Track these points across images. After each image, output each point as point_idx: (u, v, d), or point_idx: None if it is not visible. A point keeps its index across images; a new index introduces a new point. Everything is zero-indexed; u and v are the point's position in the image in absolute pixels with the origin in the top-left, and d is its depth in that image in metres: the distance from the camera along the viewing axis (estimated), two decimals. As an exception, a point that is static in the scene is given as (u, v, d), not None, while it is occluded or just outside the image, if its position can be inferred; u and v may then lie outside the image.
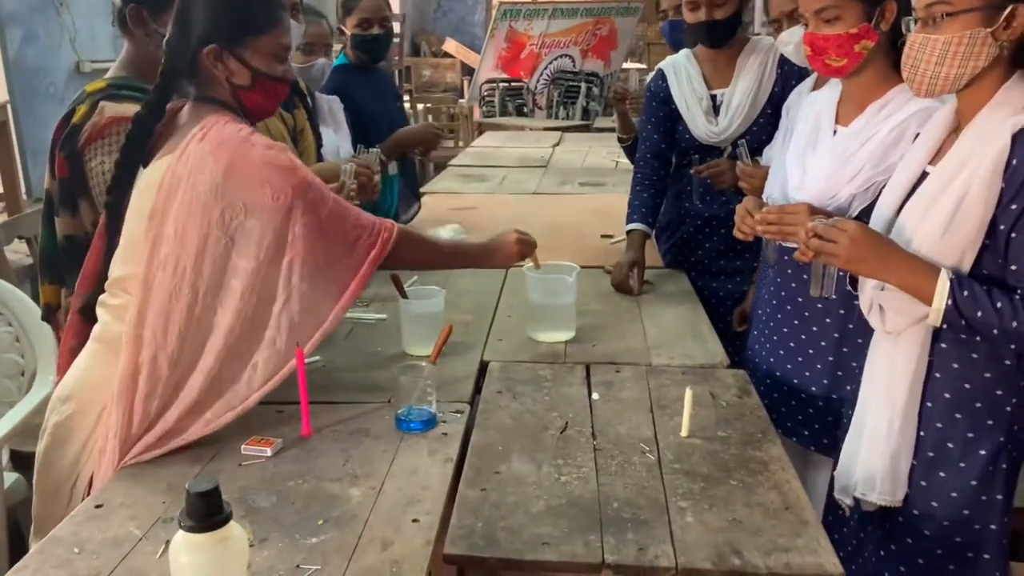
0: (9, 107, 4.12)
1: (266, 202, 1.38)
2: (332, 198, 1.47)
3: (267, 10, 1.46)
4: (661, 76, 2.37)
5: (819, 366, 1.72)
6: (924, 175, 1.38)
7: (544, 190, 3.52)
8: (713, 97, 2.28)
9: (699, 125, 2.29)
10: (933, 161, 1.38)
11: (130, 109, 1.54)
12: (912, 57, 1.35)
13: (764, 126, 2.22)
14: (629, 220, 2.35)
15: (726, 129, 2.26)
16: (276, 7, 1.47)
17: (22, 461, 2.03)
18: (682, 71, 2.33)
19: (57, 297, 1.72)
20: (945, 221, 1.30)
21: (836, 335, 1.69)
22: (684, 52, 2.35)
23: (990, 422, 1.36)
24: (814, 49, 1.59)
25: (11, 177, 4.12)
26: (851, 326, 1.66)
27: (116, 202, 1.48)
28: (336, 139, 2.54)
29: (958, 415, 1.37)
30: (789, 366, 1.77)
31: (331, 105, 2.59)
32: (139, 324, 1.38)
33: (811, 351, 1.73)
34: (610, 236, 2.72)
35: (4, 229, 2.66)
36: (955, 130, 1.38)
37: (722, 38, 2.22)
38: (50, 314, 1.76)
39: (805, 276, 1.69)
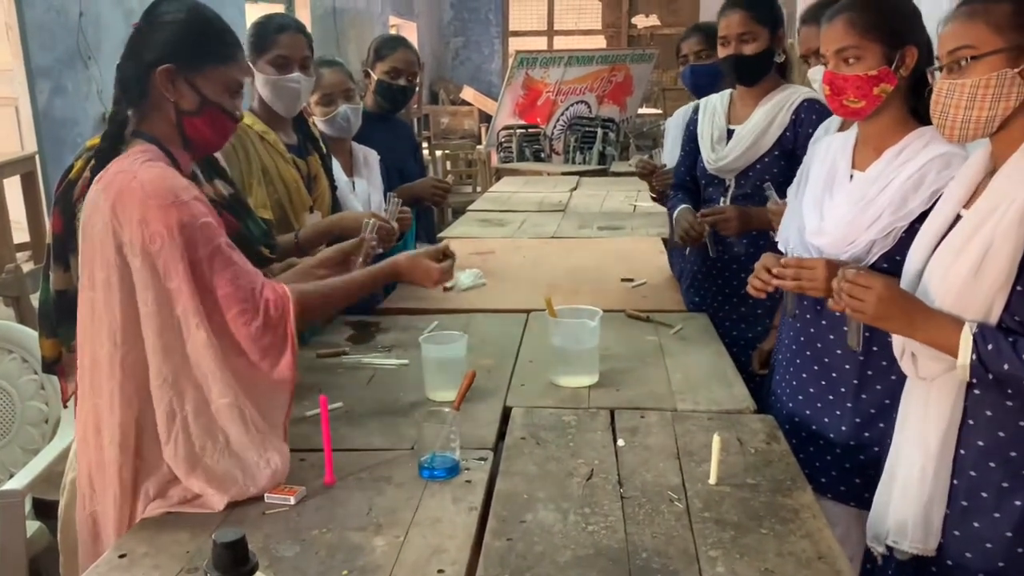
0: (37, 158, 4.22)
1: (144, 244, 1.32)
2: (221, 243, 1.38)
3: (227, 43, 1.47)
4: (695, 109, 2.51)
5: (838, 412, 1.69)
6: (958, 219, 1.37)
7: (563, 234, 3.53)
8: (731, 131, 2.33)
9: (707, 153, 2.37)
10: (967, 205, 1.38)
11: None
12: (940, 103, 1.34)
13: (768, 165, 2.26)
14: (673, 211, 2.48)
15: (725, 157, 2.31)
16: (235, 45, 1.48)
17: (45, 509, 2.03)
18: (711, 104, 2.43)
19: (55, 350, 1.71)
20: (973, 265, 1.28)
21: (855, 381, 1.66)
22: (727, 91, 2.43)
23: None
24: (833, 88, 1.60)
25: (38, 226, 4.20)
26: (870, 372, 1.64)
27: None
28: (368, 189, 2.56)
29: (992, 464, 1.34)
30: (808, 411, 1.75)
31: (367, 155, 2.62)
32: (81, 376, 1.39)
33: (830, 396, 1.70)
34: (630, 280, 2.72)
35: (31, 277, 2.70)
36: (990, 173, 1.37)
37: (749, 74, 2.27)
38: (51, 367, 1.75)
39: (824, 322, 1.69)
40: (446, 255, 1.78)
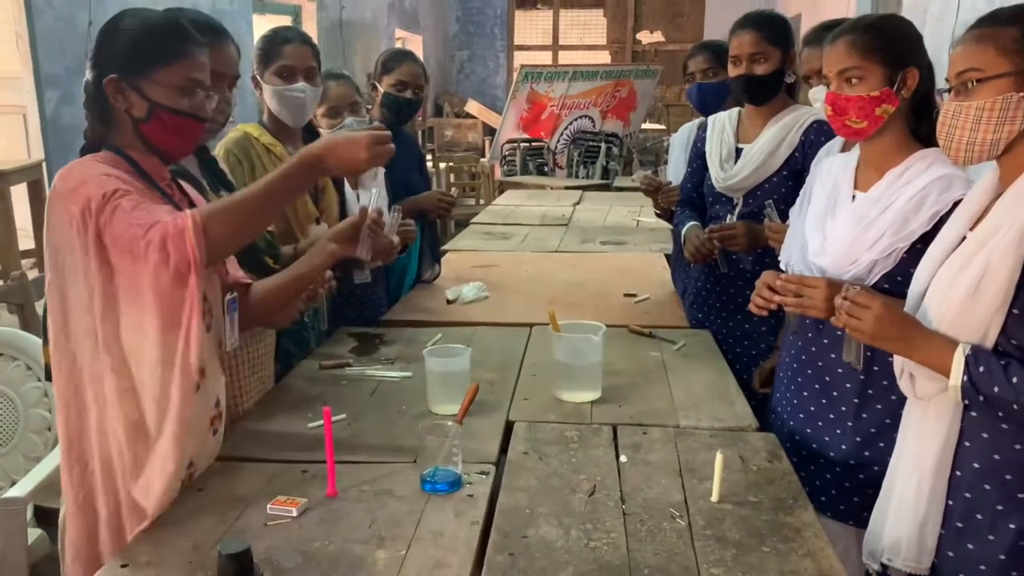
0: (44, 166, 4.24)
1: (67, 232, 1.33)
2: (123, 201, 1.31)
3: (172, 41, 1.41)
4: (703, 127, 2.51)
5: (839, 431, 1.70)
6: (964, 240, 1.38)
7: (566, 248, 3.54)
8: (739, 150, 2.34)
9: (715, 171, 2.38)
10: (973, 227, 1.38)
11: None
12: (947, 125, 1.35)
13: (777, 185, 2.27)
14: (680, 228, 2.48)
15: (734, 176, 2.32)
16: (184, 40, 1.42)
17: (46, 517, 2.03)
18: (719, 122, 2.44)
19: None
20: (971, 286, 1.29)
21: (856, 400, 1.67)
22: (735, 109, 2.44)
23: (1020, 495, 1.32)
24: (835, 109, 1.61)
25: (43, 234, 4.22)
26: (871, 391, 1.65)
27: None
28: (375, 199, 2.57)
29: (987, 486, 1.34)
30: (809, 430, 1.75)
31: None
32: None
33: (831, 415, 1.71)
34: (633, 295, 2.72)
35: (36, 284, 2.71)
36: (998, 196, 1.38)
37: (759, 93, 2.29)
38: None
39: (826, 341, 1.70)
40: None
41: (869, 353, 1.60)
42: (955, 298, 1.32)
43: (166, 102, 1.40)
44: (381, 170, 2.66)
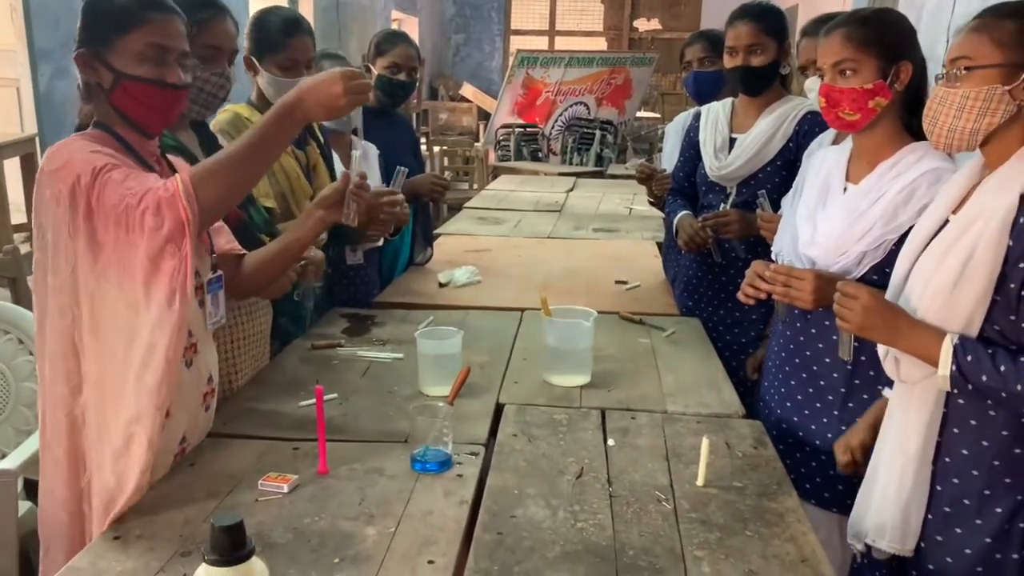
0: (37, 140, 4.21)
1: (52, 211, 1.33)
2: (113, 174, 1.31)
3: (131, 8, 1.38)
4: (697, 116, 2.53)
5: (825, 420, 1.72)
6: (946, 224, 1.40)
7: (559, 234, 3.56)
8: (733, 140, 2.35)
9: (709, 160, 2.39)
10: (956, 211, 1.40)
11: None
12: (932, 109, 1.37)
13: (771, 175, 2.28)
14: (672, 216, 2.49)
15: (728, 165, 2.34)
16: (145, 6, 1.38)
17: (36, 490, 2.03)
18: (713, 112, 2.45)
19: None
20: (955, 275, 1.31)
21: (843, 390, 1.69)
22: (728, 99, 2.45)
23: (1007, 480, 1.35)
24: (829, 101, 1.63)
25: (34, 208, 4.19)
26: (857, 381, 1.67)
27: None
28: (357, 163, 2.58)
29: (975, 472, 1.37)
30: (796, 418, 1.77)
31: (366, 149, 2.64)
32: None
33: (818, 404, 1.73)
34: (624, 282, 2.74)
35: (28, 259, 2.70)
36: (981, 182, 1.39)
37: (755, 85, 2.30)
38: None
39: (813, 330, 1.72)
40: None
41: (857, 344, 1.62)
42: (939, 287, 1.33)
43: (128, 70, 1.37)
44: (374, 152, 2.66)
